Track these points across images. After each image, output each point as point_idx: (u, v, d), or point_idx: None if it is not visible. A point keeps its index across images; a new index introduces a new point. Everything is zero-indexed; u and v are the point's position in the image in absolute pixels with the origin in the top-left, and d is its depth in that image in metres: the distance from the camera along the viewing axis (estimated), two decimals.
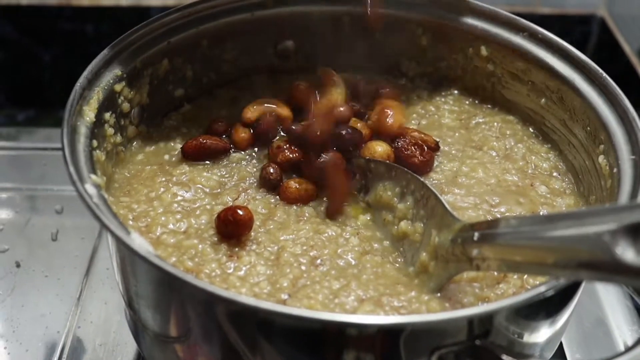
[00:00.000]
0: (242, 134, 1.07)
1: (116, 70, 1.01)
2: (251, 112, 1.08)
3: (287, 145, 1.03)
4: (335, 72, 1.14)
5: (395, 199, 0.97)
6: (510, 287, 0.88)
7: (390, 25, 1.17)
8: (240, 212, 0.92)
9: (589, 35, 1.74)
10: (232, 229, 0.92)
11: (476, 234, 0.81)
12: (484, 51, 1.14)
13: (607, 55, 1.70)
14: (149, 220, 0.95)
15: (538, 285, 0.77)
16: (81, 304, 1.16)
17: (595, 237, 0.67)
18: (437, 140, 1.08)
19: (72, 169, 0.85)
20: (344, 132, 1.03)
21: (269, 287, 0.87)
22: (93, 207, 0.81)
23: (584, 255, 0.68)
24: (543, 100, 1.09)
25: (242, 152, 1.06)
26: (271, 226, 0.95)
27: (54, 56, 1.69)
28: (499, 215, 0.97)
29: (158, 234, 0.93)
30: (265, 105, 1.09)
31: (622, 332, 1.16)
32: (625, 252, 0.64)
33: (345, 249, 0.93)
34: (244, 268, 0.89)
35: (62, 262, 1.22)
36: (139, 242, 0.79)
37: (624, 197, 0.87)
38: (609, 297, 1.20)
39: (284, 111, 1.09)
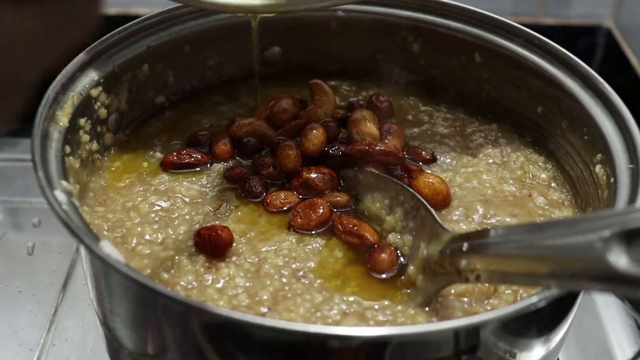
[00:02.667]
0: (223, 146, 1.03)
1: (92, 75, 0.98)
2: (239, 128, 1.04)
3: (272, 162, 1.00)
4: (324, 81, 1.10)
5: (384, 211, 0.94)
6: (501, 302, 0.85)
7: (380, 32, 1.14)
8: (221, 233, 0.88)
9: (595, 47, 1.71)
10: (211, 250, 0.88)
11: (465, 245, 0.77)
12: (477, 58, 1.10)
13: (614, 67, 1.66)
14: (124, 230, 0.92)
15: (530, 297, 0.73)
16: (57, 321, 1.12)
17: (587, 244, 0.64)
18: (432, 151, 1.04)
19: (41, 174, 0.82)
20: (330, 150, 1.00)
21: (247, 300, 0.83)
22: (61, 214, 0.77)
23: (577, 264, 0.65)
24: (540, 108, 1.06)
25: (223, 163, 1.02)
26: (252, 237, 0.92)
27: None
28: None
29: (133, 244, 0.90)
30: (255, 123, 1.05)
31: (623, 352, 1.11)
32: (619, 260, 0.61)
33: (329, 260, 0.90)
34: (222, 280, 0.86)
35: (38, 277, 1.19)
36: (108, 251, 0.75)
37: (620, 206, 0.83)
38: (609, 313, 1.16)
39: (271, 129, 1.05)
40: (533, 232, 0.71)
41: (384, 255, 0.88)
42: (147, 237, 0.91)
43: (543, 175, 1.02)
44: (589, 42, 1.72)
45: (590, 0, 1.70)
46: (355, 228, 0.90)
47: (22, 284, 1.18)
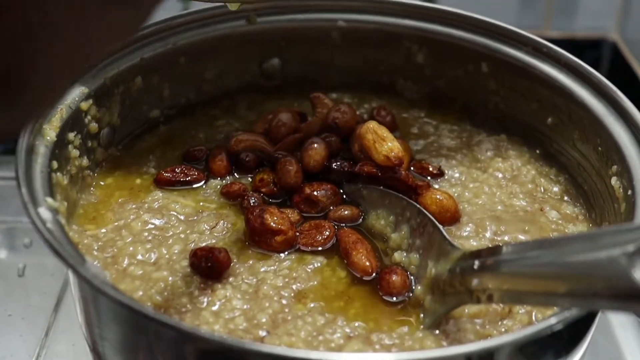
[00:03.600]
0: (220, 162, 0.99)
1: (83, 87, 0.94)
2: (237, 144, 1.00)
3: (272, 179, 0.96)
4: (325, 93, 1.08)
5: (389, 228, 0.90)
6: (515, 324, 0.80)
7: (383, 42, 1.11)
8: (219, 255, 0.84)
9: (600, 60, 1.70)
10: (207, 272, 0.84)
11: (476, 263, 0.73)
12: (484, 68, 1.07)
13: (620, 80, 1.63)
14: (115, 250, 0.87)
15: (547, 319, 0.69)
16: (47, 345, 1.07)
17: (610, 260, 0.60)
18: (439, 166, 1.00)
19: (24, 190, 0.78)
20: (334, 165, 0.96)
21: (245, 323, 0.79)
22: (44, 232, 0.73)
23: (599, 281, 0.61)
24: (550, 119, 1.02)
25: (220, 179, 0.98)
26: (251, 257, 0.87)
27: None
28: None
29: (125, 265, 0.86)
30: (253, 138, 1.01)
31: None
32: None
33: (331, 280, 0.85)
34: (218, 302, 0.81)
35: (28, 300, 1.14)
36: (94, 272, 0.71)
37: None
38: (625, 334, 1.11)
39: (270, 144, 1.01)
40: (550, 248, 0.67)
41: (395, 277, 0.83)
42: (140, 257, 0.86)
43: (555, 189, 0.98)
44: (594, 55, 1.71)
45: (596, 13, 1.69)
46: (350, 254, 0.86)
47: (11, 307, 1.13)
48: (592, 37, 1.71)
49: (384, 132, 0.93)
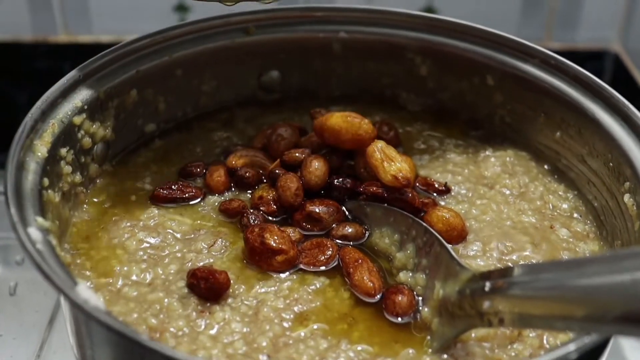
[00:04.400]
0: (218, 177, 0.96)
1: (76, 101, 0.92)
2: (236, 160, 0.98)
3: (271, 196, 0.93)
4: (326, 107, 1.06)
5: (394, 247, 0.87)
6: (526, 348, 0.78)
7: (386, 53, 1.09)
8: (218, 276, 0.81)
9: (603, 72, 1.69)
10: (206, 293, 0.81)
11: (487, 284, 0.70)
12: (490, 80, 1.05)
13: (623, 91, 1.61)
14: (109, 270, 0.85)
15: (564, 345, 0.65)
16: None
17: (633, 284, 0.58)
18: (446, 182, 0.97)
19: (13, 209, 0.75)
20: (335, 181, 0.93)
21: (244, 347, 0.77)
22: (33, 254, 0.71)
23: (620, 305, 0.59)
24: (558, 133, 0.99)
25: (218, 196, 0.95)
26: (250, 276, 0.85)
27: (30, 96, 1.59)
28: (510, 264, 0.87)
29: (119, 285, 0.83)
30: (252, 154, 0.99)
31: None
32: None
33: (334, 301, 0.82)
34: (216, 325, 0.79)
35: (20, 319, 1.11)
36: (85, 296, 0.67)
37: None
38: (638, 358, 1.08)
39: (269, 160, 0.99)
40: (566, 270, 0.64)
41: (402, 298, 0.80)
42: (134, 277, 0.84)
43: (564, 206, 0.96)
44: (596, 66, 1.69)
45: (597, 24, 1.67)
46: (352, 275, 0.83)
47: (2, 326, 1.10)
48: (594, 48, 1.69)
49: (392, 152, 0.90)
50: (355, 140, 0.92)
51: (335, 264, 0.86)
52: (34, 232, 0.74)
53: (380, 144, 0.91)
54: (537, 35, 1.66)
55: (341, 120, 0.92)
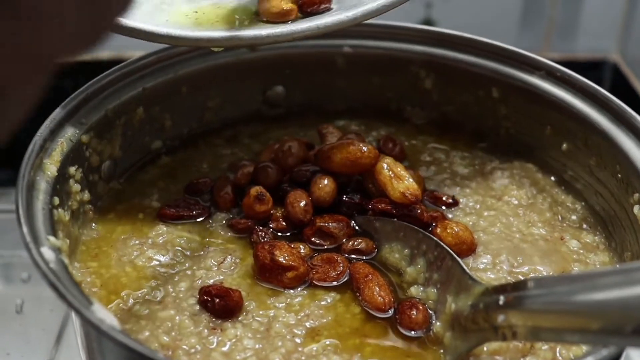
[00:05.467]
0: (225, 195, 0.96)
1: (83, 120, 0.92)
2: (243, 177, 0.98)
3: (280, 213, 0.93)
4: (331, 121, 1.07)
5: (404, 261, 0.87)
6: None
7: (390, 67, 1.09)
8: (233, 294, 0.81)
9: (602, 81, 1.68)
10: (219, 312, 0.81)
11: (501, 298, 0.70)
12: (495, 93, 1.05)
13: (622, 101, 1.62)
14: (119, 288, 0.84)
15: (580, 358, 0.65)
16: None
17: None
18: (453, 195, 0.98)
19: (26, 229, 0.75)
20: (344, 197, 0.93)
21: None
22: (48, 274, 0.70)
23: (634, 319, 0.58)
24: (565, 145, 0.99)
25: (226, 212, 0.95)
26: (261, 292, 0.84)
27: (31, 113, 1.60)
28: (521, 277, 0.86)
29: (130, 304, 0.83)
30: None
31: None
32: None
33: (345, 317, 0.82)
34: (228, 342, 0.79)
35: (27, 338, 1.11)
36: (101, 315, 0.68)
37: None
38: None
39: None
40: (581, 283, 0.64)
41: (416, 312, 0.80)
42: (145, 295, 0.84)
43: (573, 217, 0.96)
44: (595, 76, 1.68)
45: (596, 34, 1.67)
46: (363, 290, 0.83)
47: (9, 345, 1.10)
48: (593, 58, 1.68)
49: (400, 169, 0.90)
50: (361, 169, 0.92)
51: (346, 279, 0.86)
52: (47, 252, 0.73)
53: (387, 160, 0.91)
54: (536, 46, 1.65)
55: (345, 157, 0.91)
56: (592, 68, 1.67)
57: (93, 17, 0.46)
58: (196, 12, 0.93)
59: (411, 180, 0.90)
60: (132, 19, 0.87)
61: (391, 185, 0.89)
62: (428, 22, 1.56)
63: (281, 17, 0.89)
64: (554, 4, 1.61)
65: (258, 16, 0.91)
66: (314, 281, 0.85)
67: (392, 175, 0.89)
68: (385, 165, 0.90)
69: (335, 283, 0.85)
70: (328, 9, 0.89)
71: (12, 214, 1.15)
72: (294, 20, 0.88)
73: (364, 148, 0.91)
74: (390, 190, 0.89)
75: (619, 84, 1.65)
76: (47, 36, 0.44)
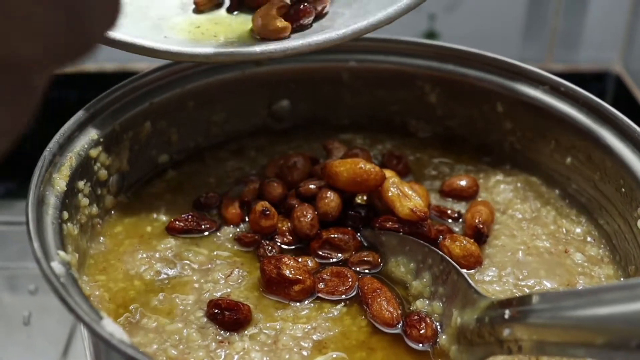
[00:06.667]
0: (233, 210, 0.96)
1: (92, 134, 0.92)
2: (250, 193, 0.98)
3: (287, 227, 0.93)
4: (336, 135, 1.08)
5: (410, 275, 0.88)
6: None
7: (395, 81, 1.09)
8: (242, 307, 0.82)
9: (604, 93, 1.68)
10: (228, 325, 0.82)
11: (507, 312, 0.70)
12: (499, 107, 1.05)
13: (624, 113, 1.61)
14: (127, 301, 0.85)
15: None
16: None
17: None
18: (459, 210, 0.98)
19: (36, 244, 0.75)
20: (350, 211, 0.94)
21: None
22: (59, 289, 0.71)
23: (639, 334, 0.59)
24: (569, 159, 1.00)
25: (233, 227, 0.95)
26: (268, 305, 0.85)
27: (35, 126, 1.60)
28: (527, 290, 0.87)
29: (137, 317, 0.83)
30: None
31: None
32: None
33: (352, 329, 0.83)
34: (236, 355, 0.79)
35: (34, 350, 1.13)
36: (111, 329, 0.68)
37: None
38: None
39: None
40: (586, 298, 0.64)
41: (424, 326, 0.81)
42: (153, 308, 0.84)
43: (578, 230, 0.96)
44: (598, 87, 1.69)
45: (599, 45, 1.68)
46: (372, 305, 0.84)
47: (17, 357, 1.12)
48: (595, 70, 1.69)
49: (406, 188, 0.91)
50: (367, 189, 0.93)
51: (354, 293, 0.87)
52: (57, 266, 0.74)
53: (394, 179, 0.92)
54: (538, 57, 1.66)
55: (351, 179, 0.91)
56: (595, 79, 1.68)
57: (77, 30, 0.46)
58: (199, 27, 0.94)
59: (418, 198, 0.90)
60: (132, 35, 0.89)
61: (399, 203, 0.89)
62: (431, 33, 1.57)
63: (275, 35, 0.91)
64: (556, 15, 1.61)
65: (253, 32, 0.93)
66: (322, 295, 0.86)
67: (400, 194, 0.90)
68: (392, 185, 0.91)
69: (344, 297, 0.86)
70: (310, 24, 0.93)
71: (17, 226, 1.16)
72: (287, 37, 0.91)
73: (371, 169, 0.91)
74: (398, 208, 0.89)
75: (622, 95, 1.66)
76: (31, 47, 0.44)
